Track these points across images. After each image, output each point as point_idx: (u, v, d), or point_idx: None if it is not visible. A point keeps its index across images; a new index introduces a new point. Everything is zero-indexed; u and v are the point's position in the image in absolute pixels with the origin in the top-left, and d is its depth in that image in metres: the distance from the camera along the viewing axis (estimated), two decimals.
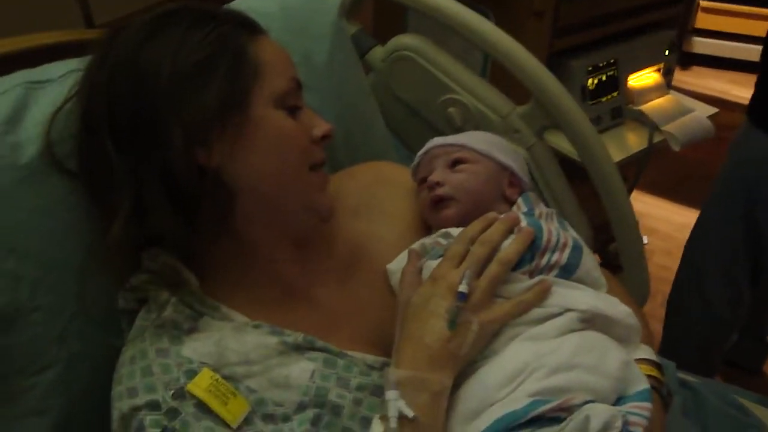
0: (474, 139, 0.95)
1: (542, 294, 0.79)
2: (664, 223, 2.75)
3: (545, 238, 0.82)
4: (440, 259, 0.84)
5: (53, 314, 0.85)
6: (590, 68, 1.69)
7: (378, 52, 1.37)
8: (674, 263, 1.95)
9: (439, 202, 0.90)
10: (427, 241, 0.87)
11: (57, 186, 0.84)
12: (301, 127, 0.81)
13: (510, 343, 0.77)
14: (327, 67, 1.10)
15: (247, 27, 0.82)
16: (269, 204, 0.80)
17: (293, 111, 0.81)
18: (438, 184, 0.90)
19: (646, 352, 0.85)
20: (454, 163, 0.92)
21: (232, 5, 1.09)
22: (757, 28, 3.63)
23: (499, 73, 1.29)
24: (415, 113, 1.37)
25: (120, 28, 0.80)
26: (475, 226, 0.83)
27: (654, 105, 1.85)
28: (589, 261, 0.85)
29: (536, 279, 0.80)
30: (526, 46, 1.22)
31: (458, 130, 1.31)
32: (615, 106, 1.77)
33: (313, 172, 0.83)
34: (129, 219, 0.75)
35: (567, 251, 0.83)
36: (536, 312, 0.78)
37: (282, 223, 0.83)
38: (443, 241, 0.85)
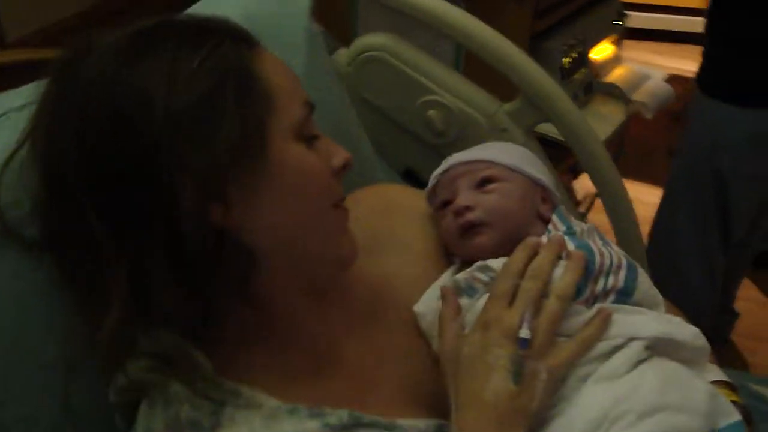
0: (499, 152, 0.84)
1: (604, 325, 0.70)
2: None
3: (598, 261, 0.73)
4: (480, 297, 0.73)
5: (26, 428, 0.68)
6: (564, 47, 1.65)
7: (342, 55, 1.24)
8: None
9: (470, 229, 0.79)
10: (461, 276, 0.76)
11: (15, 263, 0.67)
12: (322, 159, 0.68)
13: (580, 387, 0.68)
14: (305, 80, 0.95)
15: (244, 40, 0.67)
16: (293, 260, 0.67)
17: (311, 141, 0.68)
18: (468, 208, 0.79)
19: (716, 374, 0.77)
20: (482, 183, 0.81)
21: (193, 11, 0.94)
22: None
23: (472, 68, 1.19)
24: (389, 119, 1.25)
25: (79, 50, 0.63)
26: (519, 256, 0.73)
27: (616, 76, 1.86)
28: (646, 280, 0.77)
29: (594, 309, 0.71)
30: (507, 30, 1.14)
31: (440, 134, 1.21)
32: (586, 82, 1.75)
33: (336, 210, 0.70)
34: (126, 306, 0.60)
35: (622, 273, 0.74)
36: (600, 347, 0.70)
37: (304, 279, 0.70)
38: (482, 277, 0.75)
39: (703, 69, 1.68)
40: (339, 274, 0.75)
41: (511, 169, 0.81)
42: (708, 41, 1.68)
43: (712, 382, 0.75)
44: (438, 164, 1.25)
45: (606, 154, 1.16)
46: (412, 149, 1.26)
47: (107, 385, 0.67)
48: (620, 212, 1.18)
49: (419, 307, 0.78)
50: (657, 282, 2.00)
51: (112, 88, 0.60)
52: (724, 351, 2.09)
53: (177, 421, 0.62)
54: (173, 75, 0.59)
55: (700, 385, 0.70)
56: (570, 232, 0.78)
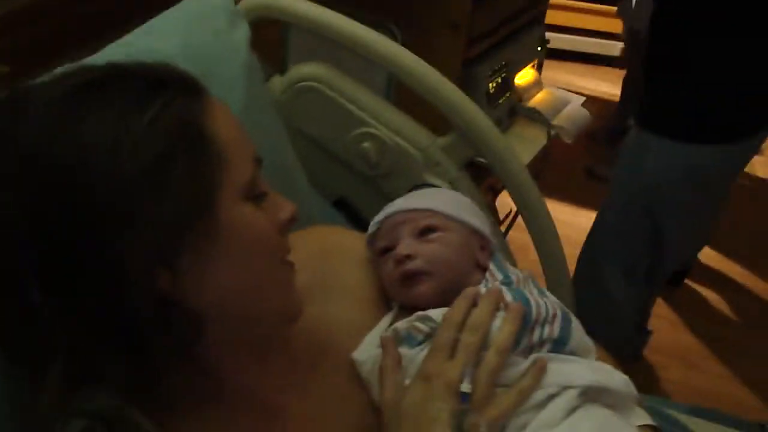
0: (440, 201, 0.85)
1: (540, 375, 0.72)
2: None
3: (534, 312, 0.75)
4: (420, 347, 0.74)
5: None
6: (490, 73, 1.67)
7: (276, 83, 1.23)
8: None
9: (411, 278, 0.79)
10: (401, 325, 0.77)
11: None
12: (270, 217, 0.66)
13: None
14: (242, 116, 0.93)
15: (194, 91, 0.64)
16: (240, 320, 0.66)
17: (259, 199, 0.66)
18: (408, 257, 0.79)
19: (643, 417, 0.80)
20: (423, 232, 0.82)
21: (128, 41, 0.91)
22: (595, 23, 3.89)
23: (405, 96, 1.20)
24: (322, 149, 1.25)
25: (17, 99, 0.59)
26: (459, 308, 0.74)
27: (538, 100, 1.89)
28: (579, 328, 0.79)
29: (531, 359, 0.73)
30: (441, 57, 1.16)
31: (374, 166, 1.22)
32: (510, 107, 1.78)
33: (282, 266, 0.69)
34: (63, 373, 0.57)
35: (557, 323, 0.76)
36: (536, 396, 0.71)
37: (250, 337, 0.69)
38: (423, 327, 0.75)
39: (648, 105, 1.70)
40: (283, 329, 0.74)
41: (452, 219, 0.83)
42: (648, 76, 1.70)
43: (639, 426, 0.78)
44: (372, 195, 1.26)
45: (537, 192, 1.18)
46: (345, 179, 1.26)
47: None
48: (550, 250, 1.21)
49: (359, 355, 0.78)
50: (581, 301, 2.08)
51: (53, 149, 0.56)
52: (637, 367, 2.18)
53: None
54: (120, 137, 0.56)
55: None
56: (507, 281, 0.80)
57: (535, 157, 1.73)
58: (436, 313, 0.75)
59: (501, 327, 0.72)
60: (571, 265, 2.00)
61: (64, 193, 0.56)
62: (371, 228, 0.86)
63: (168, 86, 0.61)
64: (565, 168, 3.09)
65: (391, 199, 0.90)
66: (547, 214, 1.18)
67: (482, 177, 1.52)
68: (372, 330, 0.80)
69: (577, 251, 2.02)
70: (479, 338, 0.71)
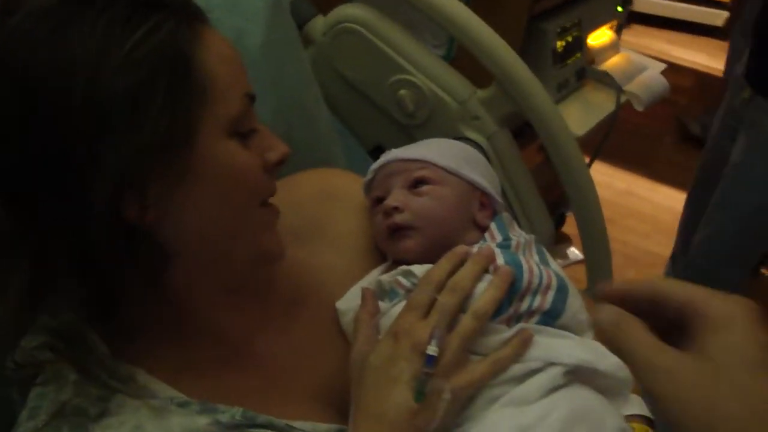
0: (439, 152, 0.80)
1: (522, 347, 0.67)
2: (606, 189, 2.66)
3: (526, 279, 0.69)
4: (400, 304, 0.70)
5: None
6: (559, 30, 1.58)
7: (319, 23, 1.20)
8: (618, 232, 1.86)
9: (398, 231, 0.75)
10: (385, 278, 0.74)
11: None
12: (256, 156, 0.64)
13: (488, 409, 0.66)
14: (262, 50, 0.92)
15: (190, 16, 0.61)
16: (212, 258, 0.64)
17: (247, 136, 0.63)
18: (396, 209, 0.75)
19: (637, 406, 0.74)
20: (416, 183, 0.77)
21: None
22: None
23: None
24: (360, 94, 1.21)
25: (7, 5, 0.56)
26: (443, 266, 0.69)
27: (612, 64, 1.78)
28: (576, 303, 0.73)
29: (515, 329, 0.68)
30: (506, 10, 1.10)
31: (410, 114, 1.18)
32: (579, 68, 1.68)
33: (263, 208, 0.67)
34: (25, 293, 0.57)
35: (551, 294, 0.71)
36: (515, 368, 0.67)
37: (223, 276, 0.67)
38: (405, 282, 0.72)
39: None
40: (259, 271, 0.72)
41: (449, 172, 0.78)
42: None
43: (631, 416, 0.73)
44: (406, 144, 1.22)
45: (579, 153, 1.12)
46: (382, 126, 1.23)
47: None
48: (588, 212, 1.15)
49: (341, 304, 0.76)
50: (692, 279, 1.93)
51: (30, 58, 0.54)
52: None
53: (62, 407, 0.59)
54: (102, 57, 0.54)
55: (610, 422, 0.67)
56: (504, 244, 0.75)
57: (599, 123, 1.63)
58: (420, 269, 0.72)
59: (484, 291, 0.68)
60: (642, 241, 1.91)
61: (35, 105, 0.54)
62: (368, 175, 0.82)
63: (162, 9, 0.58)
64: (650, 140, 2.93)
65: None
66: (589, 179, 1.12)
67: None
68: (360, 280, 0.77)
69: (650, 228, 1.90)
70: (457, 300, 0.67)
